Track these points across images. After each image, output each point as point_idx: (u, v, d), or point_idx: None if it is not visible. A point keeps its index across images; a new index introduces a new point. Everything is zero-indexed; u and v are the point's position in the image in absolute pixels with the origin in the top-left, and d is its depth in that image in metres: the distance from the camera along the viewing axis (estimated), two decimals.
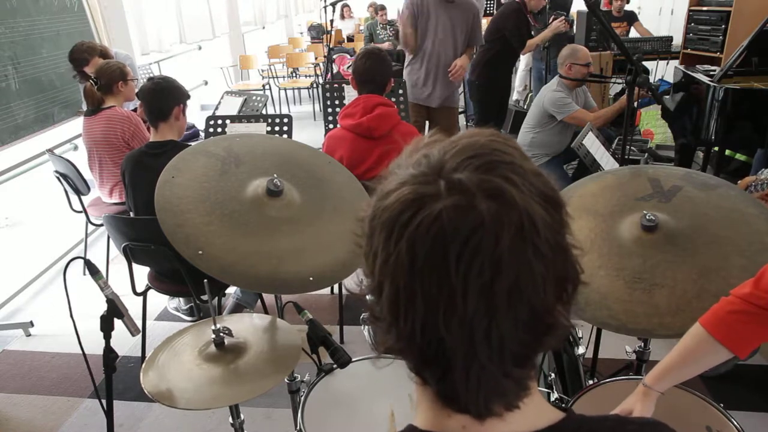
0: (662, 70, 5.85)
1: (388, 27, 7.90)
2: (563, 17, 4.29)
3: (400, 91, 3.23)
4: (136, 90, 2.96)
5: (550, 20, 4.40)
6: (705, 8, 4.93)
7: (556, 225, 0.51)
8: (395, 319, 0.51)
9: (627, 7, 5.90)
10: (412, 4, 3.59)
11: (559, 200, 0.52)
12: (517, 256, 0.48)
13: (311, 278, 1.47)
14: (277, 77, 7.54)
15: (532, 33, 4.37)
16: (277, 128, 2.90)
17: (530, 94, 6.05)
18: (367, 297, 0.56)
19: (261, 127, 2.89)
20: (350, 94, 3.14)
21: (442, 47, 3.63)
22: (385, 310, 0.51)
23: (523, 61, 6.12)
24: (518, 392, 0.54)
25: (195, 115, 6.05)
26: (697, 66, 3.87)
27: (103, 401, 1.55)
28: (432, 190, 0.49)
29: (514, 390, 0.53)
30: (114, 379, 1.50)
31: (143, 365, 1.38)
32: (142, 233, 2.18)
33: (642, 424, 0.60)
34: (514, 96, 5.99)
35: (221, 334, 1.40)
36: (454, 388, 0.52)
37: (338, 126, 2.49)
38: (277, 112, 6.73)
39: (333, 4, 5.52)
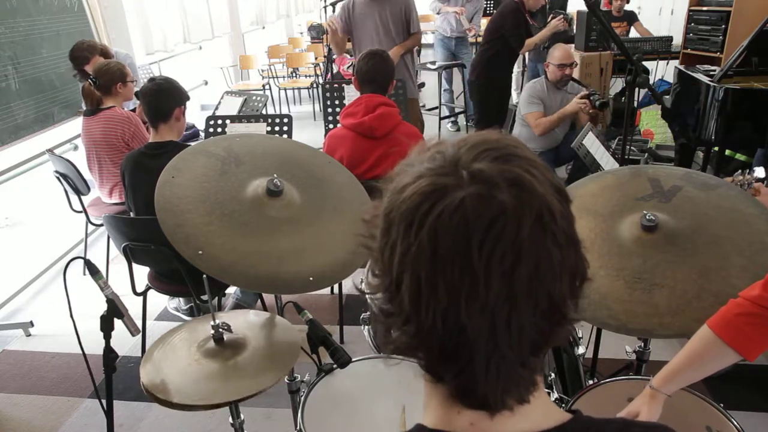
0: (662, 70, 5.84)
1: None
2: (562, 16, 4.29)
3: (400, 92, 3.23)
4: (135, 89, 2.97)
5: (549, 19, 4.40)
6: (705, 8, 4.93)
7: (568, 216, 0.53)
8: (416, 311, 0.51)
9: (627, 7, 5.89)
10: (344, 11, 3.74)
11: (567, 194, 0.54)
12: (537, 243, 0.49)
13: (311, 278, 1.47)
14: (277, 77, 7.54)
15: (531, 32, 4.37)
16: (277, 128, 2.90)
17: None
18: (376, 295, 0.56)
19: (261, 127, 2.89)
20: (350, 94, 3.14)
21: (381, 44, 3.69)
22: (406, 303, 0.51)
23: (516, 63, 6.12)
24: (529, 385, 0.55)
25: (195, 115, 6.05)
26: (697, 66, 3.86)
27: (103, 401, 1.55)
28: (452, 180, 0.50)
29: (526, 382, 0.54)
30: (114, 379, 1.50)
31: (142, 359, 1.38)
32: (142, 233, 2.18)
33: (647, 428, 0.61)
34: (514, 98, 5.99)
35: (220, 329, 1.40)
36: (474, 380, 0.52)
37: (339, 125, 2.49)
38: (277, 112, 6.73)
39: (333, 4, 5.51)
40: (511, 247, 0.48)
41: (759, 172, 1.93)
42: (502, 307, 0.49)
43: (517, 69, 6.21)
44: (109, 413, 1.56)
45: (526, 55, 5.93)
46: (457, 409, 0.56)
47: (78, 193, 3.10)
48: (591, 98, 3.39)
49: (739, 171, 1.92)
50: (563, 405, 1.43)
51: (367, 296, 0.57)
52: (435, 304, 0.50)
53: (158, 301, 3.01)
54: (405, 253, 0.50)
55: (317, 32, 9.14)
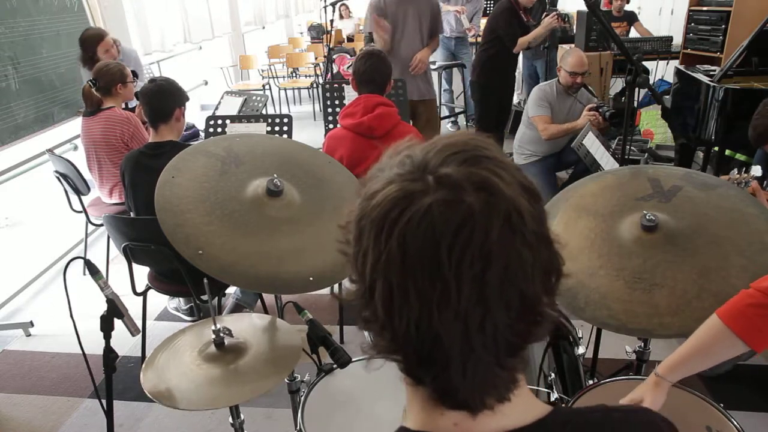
0: (662, 70, 5.84)
1: None
2: (555, 13, 4.25)
3: (400, 92, 3.23)
4: (136, 90, 2.97)
5: (544, 17, 4.37)
6: (705, 8, 4.93)
7: (538, 216, 0.53)
8: (389, 319, 0.51)
9: (627, 7, 5.89)
10: (375, 9, 3.70)
11: (538, 193, 0.54)
12: (506, 245, 0.49)
13: (311, 278, 1.47)
14: (277, 77, 7.54)
15: (528, 30, 4.34)
16: (277, 128, 2.90)
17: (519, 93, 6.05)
18: (354, 302, 0.56)
19: (261, 127, 2.89)
20: (350, 94, 3.14)
21: (411, 43, 3.71)
22: (379, 310, 0.51)
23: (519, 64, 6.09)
24: (509, 384, 0.55)
25: (195, 115, 6.05)
26: (697, 66, 3.87)
27: (103, 401, 1.55)
28: (419, 186, 0.50)
29: (506, 382, 0.54)
30: (114, 379, 1.50)
31: (143, 365, 1.38)
32: (142, 233, 2.18)
33: (628, 412, 0.62)
34: (515, 98, 5.99)
35: (221, 334, 1.40)
36: (451, 384, 0.52)
37: (338, 126, 2.49)
38: (277, 112, 6.72)
39: (333, 4, 5.51)
40: (480, 251, 0.48)
41: (756, 170, 1.93)
42: (475, 311, 0.49)
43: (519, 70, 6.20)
44: (109, 413, 1.56)
45: (521, 53, 5.93)
46: (440, 411, 0.56)
47: (78, 193, 3.10)
48: (600, 110, 3.36)
49: (736, 169, 1.92)
50: (563, 405, 1.43)
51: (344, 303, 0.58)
52: (407, 312, 0.50)
53: (158, 301, 3.01)
54: (376, 261, 0.50)
55: (317, 32, 9.14)
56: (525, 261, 0.50)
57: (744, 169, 1.91)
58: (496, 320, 0.50)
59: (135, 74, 3.17)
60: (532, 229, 0.51)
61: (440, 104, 5.86)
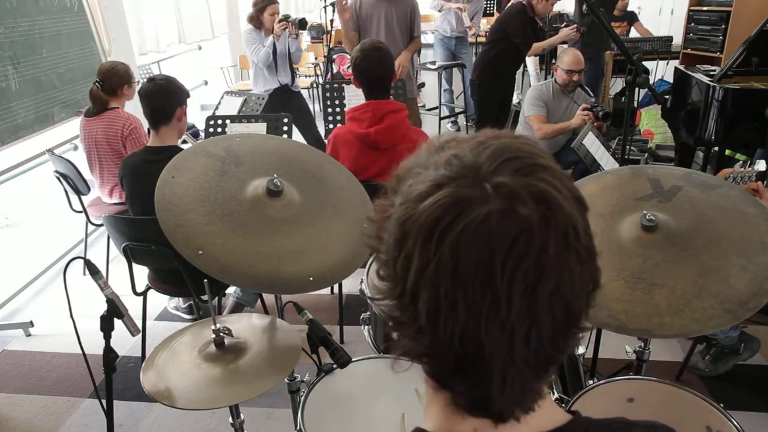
0: (662, 70, 5.84)
1: None
2: (575, 25, 4.23)
3: (400, 92, 3.23)
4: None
5: (563, 26, 4.35)
6: (705, 8, 4.93)
7: (587, 229, 0.52)
8: (433, 327, 0.49)
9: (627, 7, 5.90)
10: (352, 8, 3.73)
11: (586, 203, 0.53)
12: (561, 261, 0.48)
13: (311, 278, 1.46)
14: None
15: (539, 35, 4.32)
16: (277, 128, 2.90)
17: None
18: (384, 301, 0.54)
19: (261, 127, 2.89)
20: (350, 94, 3.14)
21: (388, 44, 3.70)
22: (422, 318, 0.50)
23: (530, 66, 6.07)
24: (536, 396, 0.54)
25: (195, 115, 6.05)
26: (697, 66, 3.87)
27: (103, 401, 1.55)
28: (475, 193, 0.48)
29: (536, 394, 0.54)
30: (114, 379, 1.50)
31: (143, 365, 1.38)
32: (142, 233, 2.18)
33: (647, 427, 0.60)
34: (515, 98, 5.98)
35: (221, 334, 1.40)
36: (488, 394, 0.51)
37: (345, 123, 2.44)
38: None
39: (333, 4, 5.50)
40: (535, 265, 0.47)
41: (760, 165, 1.92)
42: (522, 323, 0.48)
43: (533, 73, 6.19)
44: (109, 413, 1.56)
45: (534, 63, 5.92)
46: (461, 415, 0.55)
47: (78, 193, 3.10)
48: (594, 110, 3.37)
49: (741, 162, 1.92)
50: (563, 405, 1.43)
51: (372, 301, 0.56)
52: (453, 322, 0.48)
53: (158, 301, 3.01)
54: (423, 269, 0.48)
55: (317, 32, 9.12)
56: (576, 276, 0.49)
57: (749, 163, 1.90)
58: (541, 333, 0.49)
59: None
60: (585, 245, 0.50)
61: (440, 104, 5.87)
